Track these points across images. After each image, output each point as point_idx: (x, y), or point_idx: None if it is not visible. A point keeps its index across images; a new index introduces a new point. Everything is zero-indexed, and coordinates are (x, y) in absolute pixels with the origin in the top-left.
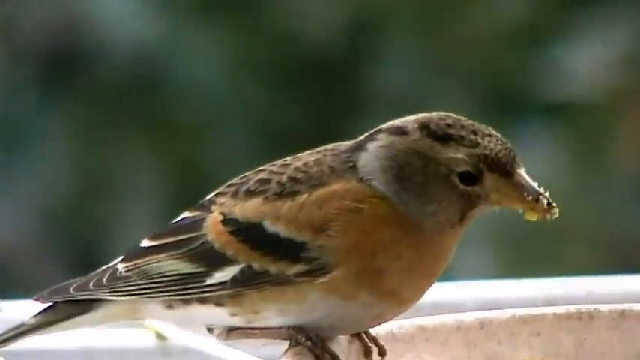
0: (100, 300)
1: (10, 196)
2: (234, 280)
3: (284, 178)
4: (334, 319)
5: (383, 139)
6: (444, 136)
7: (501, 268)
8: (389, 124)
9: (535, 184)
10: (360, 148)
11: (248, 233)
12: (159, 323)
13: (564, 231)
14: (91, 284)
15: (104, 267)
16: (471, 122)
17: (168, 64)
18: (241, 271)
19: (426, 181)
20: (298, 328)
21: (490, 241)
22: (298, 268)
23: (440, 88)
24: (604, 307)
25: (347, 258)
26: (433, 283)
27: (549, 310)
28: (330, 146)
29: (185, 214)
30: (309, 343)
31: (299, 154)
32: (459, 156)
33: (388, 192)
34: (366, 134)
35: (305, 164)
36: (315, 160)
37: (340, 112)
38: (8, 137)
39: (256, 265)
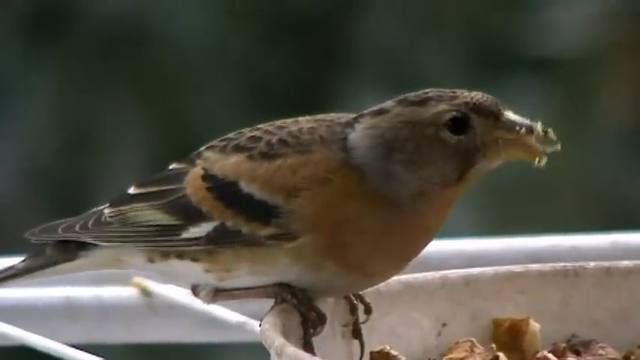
0: (86, 249)
1: None
2: (209, 237)
3: (274, 139)
4: (303, 285)
5: (367, 122)
6: (422, 100)
7: (487, 225)
8: (370, 108)
9: (525, 119)
10: (350, 125)
11: (224, 191)
12: (145, 280)
13: (550, 187)
14: (78, 227)
15: (93, 210)
16: (452, 90)
17: (154, 17)
18: (215, 228)
19: (417, 146)
20: (285, 286)
21: (476, 198)
22: (269, 230)
23: (426, 43)
24: (589, 264)
25: (313, 227)
26: (409, 259)
27: (535, 267)
28: (330, 115)
29: (173, 165)
30: (294, 300)
31: (299, 118)
32: (440, 108)
33: (370, 169)
34: (356, 114)
35: (300, 130)
36: (310, 127)
37: (326, 66)
38: None
39: (229, 224)
